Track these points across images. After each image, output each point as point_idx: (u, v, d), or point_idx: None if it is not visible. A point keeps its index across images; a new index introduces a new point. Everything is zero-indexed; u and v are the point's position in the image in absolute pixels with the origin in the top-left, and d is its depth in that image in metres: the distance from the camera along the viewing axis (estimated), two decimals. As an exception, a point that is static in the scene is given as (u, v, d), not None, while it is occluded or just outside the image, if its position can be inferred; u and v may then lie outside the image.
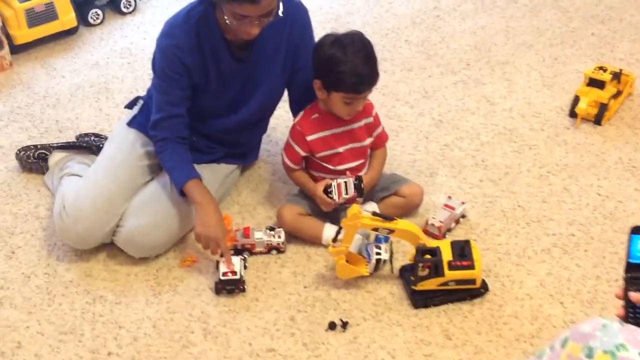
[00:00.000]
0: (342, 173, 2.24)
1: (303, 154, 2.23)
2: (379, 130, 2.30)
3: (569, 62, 3.06)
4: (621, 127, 2.70)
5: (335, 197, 2.16)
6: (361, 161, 2.27)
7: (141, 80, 3.01)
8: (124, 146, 2.27)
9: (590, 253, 2.22)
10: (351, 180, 2.16)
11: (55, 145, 2.55)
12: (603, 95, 2.66)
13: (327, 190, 2.18)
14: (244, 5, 1.89)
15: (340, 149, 2.23)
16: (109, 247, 2.26)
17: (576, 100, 2.71)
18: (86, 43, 3.29)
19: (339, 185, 2.16)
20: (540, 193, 2.44)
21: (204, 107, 2.22)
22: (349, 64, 2.05)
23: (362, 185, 2.15)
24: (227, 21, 1.95)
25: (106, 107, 2.89)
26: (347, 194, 2.16)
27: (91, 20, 3.36)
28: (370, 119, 2.26)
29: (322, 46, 2.11)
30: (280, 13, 1.96)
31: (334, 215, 2.28)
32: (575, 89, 2.86)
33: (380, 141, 2.32)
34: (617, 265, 2.18)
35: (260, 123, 2.41)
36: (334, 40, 2.09)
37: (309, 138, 2.20)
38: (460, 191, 2.46)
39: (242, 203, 2.45)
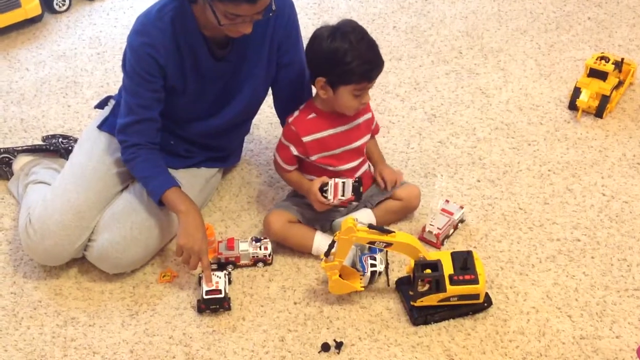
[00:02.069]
0: (340, 174, 2.08)
1: (297, 154, 2.06)
2: (375, 122, 2.16)
3: (566, 49, 2.91)
4: (624, 120, 2.56)
5: (331, 197, 2.00)
6: (360, 160, 2.12)
7: (112, 73, 2.81)
8: (95, 152, 2.08)
9: (598, 260, 2.09)
10: (350, 182, 2.00)
11: (20, 148, 2.35)
12: (605, 86, 2.52)
13: (322, 189, 2.01)
14: (240, 6, 1.71)
15: (337, 151, 2.06)
16: (81, 262, 2.08)
17: (576, 92, 2.56)
18: (52, 32, 3.06)
19: (336, 185, 2.00)
20: (541, 194, 2.30)
21: (182, 110, 2.03)
22: (356, 52, 1.89)
23: (361, 189, 2.00)
24: (218, 21, 1.76)
25: (75, 103, 2.69)
26: (343, 195, 2.00)
27: (57, 7, 3.14)
28: (369, 115, 2.11)
29: (320, 41, 1.92)
30: (273, 8, 1.78)
31: (325, 223, 2.13)
32: (573, 78, 2.73)
33: (375, 132, 2.20)
34: (626, 274, 2.05)
35: (243, 125, 2.24)
36: (331, 33, 1.91)
37: (305, 139, 2.02)
38: (457, 193, 2.31)
39: (224, 209, 2.28)
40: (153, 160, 2.00)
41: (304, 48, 2.02)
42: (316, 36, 1.95)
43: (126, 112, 1.97)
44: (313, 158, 2.04)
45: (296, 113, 2.05)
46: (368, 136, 2.12)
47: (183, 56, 1.91)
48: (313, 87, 2.08)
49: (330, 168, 2.06)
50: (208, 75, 1.96)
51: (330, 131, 2.03)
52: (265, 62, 2.01)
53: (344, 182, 2.01)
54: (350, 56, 1.89)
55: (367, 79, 1.94)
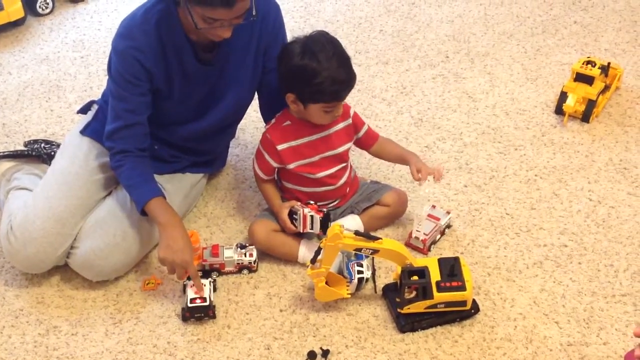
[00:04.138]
0: (322, 181, 2.07)
1: (275, 165, 2.04)
2: (365, 129, 2.12)
3: (552, 53, 2.90)
4: (610, 125, 2.56)
5: (300, 227, 2.02)
6: (341, 166, 2.09)
7: (96, 77, 2.78)
8: (78, 158, 2.05)
9: (585, 266, 2.09)
10: (318, 218, 1.99)
11: (1, 153, 2.31)
12: (591, 91, 2.51)
13: (292, 216, 2.02)
14: (217, 10, 1.69)
15: (315, 158, 2.04)
16: (63, 269, 2.05)
17: (563, 96, 2.56)
18: (35, 35, 3.03)
19: (304, 217, 2.00)
20: (528, 199, 2.29)
21: (166, 113, 2.01)
22: (326, 73, 1.87)
23: (329, 223, 1.99)
24: (195, 24, 1.74)
25: (58, 107, 2.66)
26: (312, 228, 2.01)
27: (40, 10, 3.10)
28: (349, 121, 2.08)
29: (290, 57, 1.90)
30: (253, 13, 1.76)
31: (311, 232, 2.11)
32: (559, 82, 2.73)
33: (372, 140, 2.16)
34: (613, 279, 2.04)
35: (229, 129, 2.21)
36: (302, 49, 1.89)
37: (280, 147, 2.01)
38: (444, 198, 2.30)
39: (209, 215, 2.25)
40: (139, 168, 1.96)
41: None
42: (287, 51, 1.93)
43: (113, 118, 1.94)
44: (291, 166, 2.03)
45: (273, 121, 2.04)
46: (349, 143, 2.09)
47: (168, 59, 1.88)
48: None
49: (310, 176, 2.05)
50: (193, 78, 1.94)
51: (306, 139, 2.02)
52: (251, 66, 1.99)
53: (312, 216, 2.00)
54: (321, 76, 1.86)
55: (336, 99, 1.93)
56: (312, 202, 2.05)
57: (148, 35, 1.85)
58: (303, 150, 2.02)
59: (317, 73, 1.86)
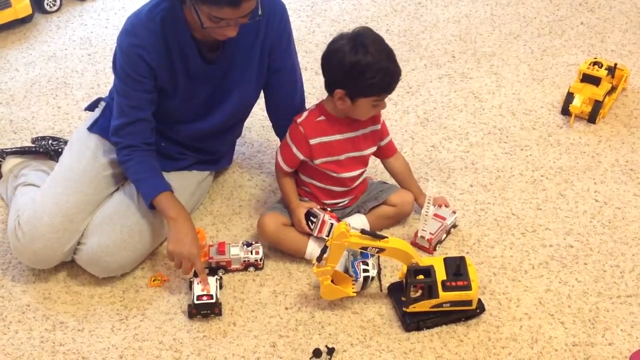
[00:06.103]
0: (343, 181, 2.07)
1: (302, 157, 2.03)
2: (387, 140, 2.15)
3: (559, 54, 2.90)
4: (616, 126, 2.56)
5: (315, 231, 2.03)
6: (362, 169, 2.11)
7: (103, 75, 2.79)
8: (85, 154, 2.06)
9: (590, 266, 2.09)
10: None
11: (9, 150, 2.32)
12: (598, 92, 2.51)
13: (309, 218, 2.02)
14: (223, 9, 1.69)
15: (342, 157, 2.05)
16: (70, 265, 2.06)
17: (569, 97, 2.56)
18: (42, 32, 3.04)
19: (324, 223, 2.01)
20: (534, 199, 2.30)
21: (172, 112, 2.02)
22: (378, 66, 1.88)
23: None
24: (201, 23, 1.74)
25: (65, 104, 2.66)
26: (328, 235, 2.01)
27: (47, 7, 3.12)
28: (378, 126, 2.09)
29: (341, 56, 1.89)
30: (259, 13, 1.77)
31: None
32: (565, 83, 2.73)
33: (390, 152, 2.18)
34: (619, 280, 2.05)
35: (234, 128, 2.22)
36: (353, 45, 1.88)
37: (312, 142, 2.00)
38: (450, 198, 2.30)
39: (215, 213, 2.26)
40: (146, 162, 1.98)
41: (297, 52, 2.01)
42: (336, 50, 1.91)
43: (118, 114, 1.95)
44: (317, 162, 2.03)
45: (305, 114, 2.03)
46: (374, 148, 2.11)
47: (173, 58, 1.89)
48: (305, 92, 2.08)
49: (333, 174, 2.05)
50: (198, 77, 1.95)
51: (338, 136, 2.02)
52: (256, 66, 1.99)
53: (332, 224, 2.00)
54: (373, 71, 1.87)
55: (388, 91, 1.95)
56: (329, 208, 2.06)
57: (152, 33, 1.86)
58: (333, 147, 2.03)
59: (370, 66, 1.87)
